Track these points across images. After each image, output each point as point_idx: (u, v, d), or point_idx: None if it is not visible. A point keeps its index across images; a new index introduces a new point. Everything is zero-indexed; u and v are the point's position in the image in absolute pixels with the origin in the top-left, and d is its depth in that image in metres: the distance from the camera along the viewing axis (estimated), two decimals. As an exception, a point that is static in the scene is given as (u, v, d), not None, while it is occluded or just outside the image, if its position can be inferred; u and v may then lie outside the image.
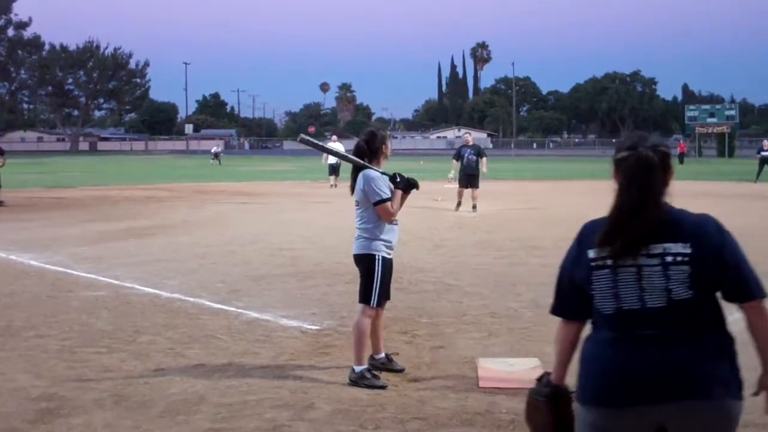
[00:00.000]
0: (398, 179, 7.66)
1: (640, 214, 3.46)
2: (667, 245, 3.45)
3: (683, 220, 3.53)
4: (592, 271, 3.56)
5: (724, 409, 3.41)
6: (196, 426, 6.45)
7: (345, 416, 6.68)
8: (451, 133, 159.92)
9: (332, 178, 37.16)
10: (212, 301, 11.38)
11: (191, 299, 11.48)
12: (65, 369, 8.08)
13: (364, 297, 7.67)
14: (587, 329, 3.73)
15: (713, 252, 3.46)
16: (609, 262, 3.50)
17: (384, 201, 7.50)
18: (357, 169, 7.75)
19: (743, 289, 3.50)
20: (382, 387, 7.43)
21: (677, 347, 3.41)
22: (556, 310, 3.81)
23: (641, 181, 3.48)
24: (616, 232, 3.48)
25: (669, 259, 3.44)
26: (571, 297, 3.70)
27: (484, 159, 25.74)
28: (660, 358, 3.40)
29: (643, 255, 3.45)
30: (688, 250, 3.44)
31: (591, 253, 3.57)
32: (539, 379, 3.88)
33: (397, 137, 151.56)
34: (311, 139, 8.23)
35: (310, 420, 6.58)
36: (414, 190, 7.87)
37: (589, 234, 3.64)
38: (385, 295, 7.77)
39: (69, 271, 14.01)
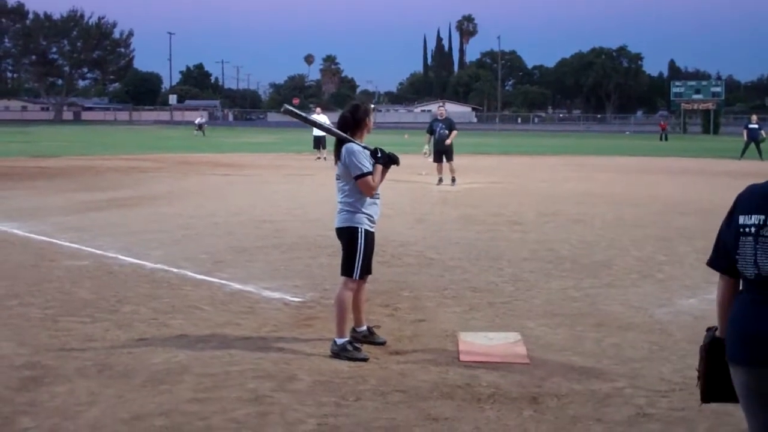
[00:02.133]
0: (379, 154, 7.67)
1: None
2: None
3: None
4: (739, 237, 3.72)
5: None
6: (179, 395, 6.48)
7: (326, 388, 6.72)
8: (435, 107, 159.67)
9: (319, 150, 37.15)
10: (195, 272, 11.40)
11: (174, 270, 11.49)
12: (48, 338, 8.10)
13: (347, 270, 7.70)
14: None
15: None
16: (753, 230, 3.66)
17: (365, 175, 7.52)
18: (340, 143, 7.77)
19: None
20: (364, 359, 7.47)
21: None
22: (711, 263, 3.97)
23: None
24: None
25: None
26: (721, 254, 3.87)
27: (454, 132, 25.52)
28: None
29: None
30: None
31: (741, 219, 3.73)
32: (707, 331, 4.11)
33: (381, 110, 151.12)
34: (295, 110, 8.20)
35: (291, 391, 6.63)
36: (394, 166, 7.89)
37: (744, 199, 3.80)
38: (367, 268, 7.81)
39: (52, 240, 14.01)
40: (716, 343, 3.93)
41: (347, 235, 7.71)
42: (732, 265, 3.78)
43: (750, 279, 3.68)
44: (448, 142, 25.18)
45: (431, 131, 25.72)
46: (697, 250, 13.18)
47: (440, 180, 25.12)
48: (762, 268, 3.61)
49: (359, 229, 7.65)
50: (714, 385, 3.96)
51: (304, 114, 8.25)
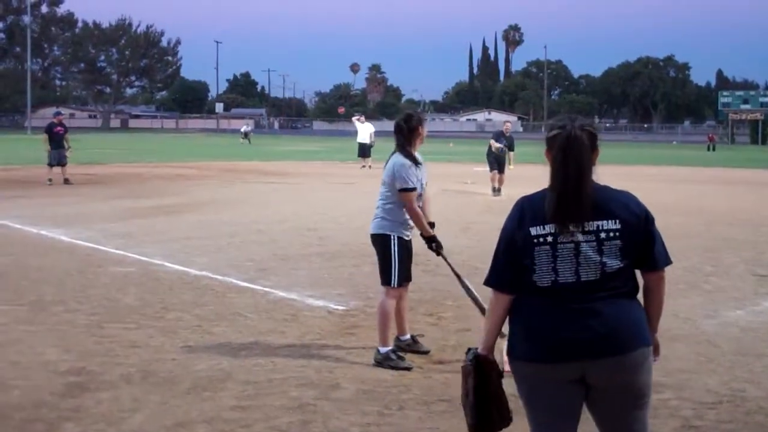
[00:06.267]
0: (432, 245, 7.87)
1: (581, 191, 3.77)
2: (600, 222, 3.80)
3: (611, 197, 3.87)
4: (534, 248, 3.81)
5: (644, 354, 3.85)
6: (222, 403, 6.50)
7: (369, 397, 6.71)
8: (481, 116, 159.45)
9: (364, 159, 37.19)
10: (240, 279, 11.43)
11: (219, 277, 11.54)
12: (93, 344, 8.15)
13: (385, 278, 7.70)
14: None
15: (640, 226, 3.84)
16: (549, 239, 3.80)
17: (409, 190, 7.53)
18: (393, 152, 7.78)
19: (657, 259, 3.94)
20: (407, 368, 7.45)
21: (606, 314, 3.77)
22: (490, 282, 3.99)
23: (575, 158, 3.80)
24: (562, 208, 3.77)
25: (603, 235, 3.79)
26: (507, 270, 3.91)
27: (512, 154, 25.80)
28: (589, 324, 3.76)
29: (580, 232, 3.79)
30: (618, 226, 3.80)
31: (533, 230, 3.83)
32: (467, 352, 4.15)
33: (426, 119, 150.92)
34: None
35: (334, 399, 6.62)
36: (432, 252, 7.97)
37: (527, 211, 3.90)
38: (405, 275, 7.78)
39: (99, 246, 14.11)
40: (481, 359, 4.06)
41: (380, 242, 7.73)
42: (515, 280, 3.88)
43: (544, 287, 3.80)
44: (510, 166, 25.49)
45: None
46: (744, 261, 13.05)
47: (494, 189, 25.00)
48: (561, 274, 3.77)
49: (392, 237, 7.66)
50: (482, 404, 4.04)
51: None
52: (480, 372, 4.03)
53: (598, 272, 3.76)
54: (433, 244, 7.82)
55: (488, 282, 4.01)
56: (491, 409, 4.02)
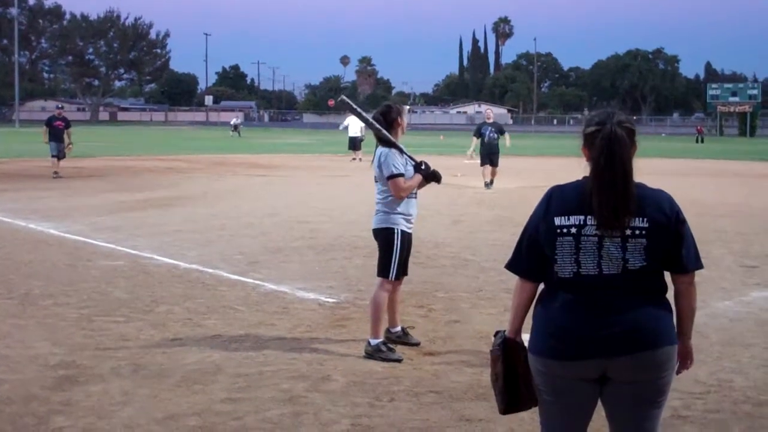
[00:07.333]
0: (423, 167, 7.66)
1: (627, 191, 3.70)
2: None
3: (644, 195, 3.77)
4: (556, 238, 3.80)
5: (669, 354, 3.80)
6: (213, 396, 6.49)
7: (360, 388, 6.71)
8: (471, 109, 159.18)
9: (354, 152, 37.23)
10: (230, 272, 11.42)
11: (209, 270, 11.52)
12: (83, 337, 8.14)
13: (383, 270, 7.69)
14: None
15: (670, 227, 3.77)
16: (573, 230, 3.77)
17: (396, 176, 7.51)
18: (380, 142, 7.76)
19: (686, 262, 3.86)
20: (398, 360, 7.46)
21: (630, 311, 3.73)
22: (512, 267, 4.04)
23: (620, 159, 3.71)
24: (610, 209, 3.69)
25: (628, 232, 3.72)
26: (530, 257, 3.94)
27: (507, 135, 25.32)
28: (612, 321, 3.72)
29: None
30: (646, 225, 3.73)
31: (557, 220, 3.82)
32: (495, 335, 4.12)
33: (417, 112, 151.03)
34: (351, 103, 8.12)
35: (325, 391, 6.62)
36: (435, 183, 7.86)
37: (555, 200, 3.90)
38: (403, 269, 7.79)
39: (88, 240, 14.08)
40: (511, 345, 4.03)
41: (383, 235, 7.70)
42: (538, 268, 3.91)
43: (566, 278, 3.78)
44: (508, 144, 25.28)
45: (479, 134, 25.00)
46: (733, 252, 13.09)
47: (486, 184, 24.61)
48: (583, 265, 3.74)
49: (395, 230, 7.64)
50: (511, 386, 4.01)
51: (359, 109, 8.10)
52: (508, 355, 4.00)
53: (620, 268, 3.71)
54: (424, 172, 7.67)
55: (510, 267, 4.06)
56: (521, 388, 3.99)
